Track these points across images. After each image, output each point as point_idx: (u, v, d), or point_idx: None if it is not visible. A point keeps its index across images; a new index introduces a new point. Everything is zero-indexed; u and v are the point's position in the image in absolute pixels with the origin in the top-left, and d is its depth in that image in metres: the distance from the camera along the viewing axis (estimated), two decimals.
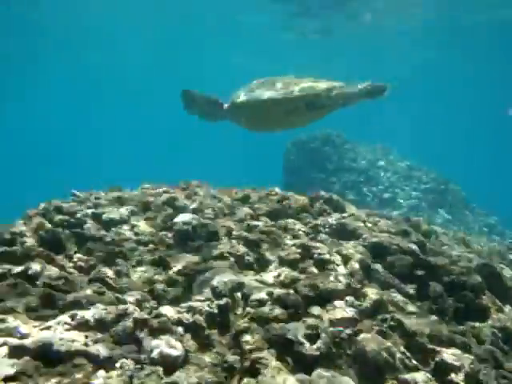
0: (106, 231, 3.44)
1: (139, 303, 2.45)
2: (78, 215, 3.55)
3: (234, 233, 3.38)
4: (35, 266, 2.60)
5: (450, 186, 12.31)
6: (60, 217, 3.48)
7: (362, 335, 2.18)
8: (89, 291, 2.45)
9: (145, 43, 21.95)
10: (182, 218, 3.53)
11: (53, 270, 2.62)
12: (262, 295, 2.41)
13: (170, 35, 20.32)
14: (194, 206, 3.90)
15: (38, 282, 2.54)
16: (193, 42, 21.25)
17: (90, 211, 3.63)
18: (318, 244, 3.10)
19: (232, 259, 3.02)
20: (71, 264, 2.84)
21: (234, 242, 3.23)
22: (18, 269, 2.62)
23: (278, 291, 2.42)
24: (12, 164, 33.13)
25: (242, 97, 4.29)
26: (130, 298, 2.48)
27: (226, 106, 4.54)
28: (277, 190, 4.29)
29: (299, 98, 4.07)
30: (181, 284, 2.72)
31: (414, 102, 31.58)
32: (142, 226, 3.55)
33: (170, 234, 3.49)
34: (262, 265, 3.07)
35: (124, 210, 3.75)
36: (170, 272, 2.84)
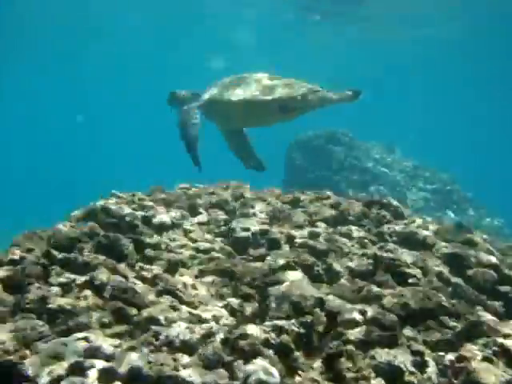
0: (160, 236, 3.26)
1: (217, 320, 2.27)
2: (128, 218, 3.35)
3: (297, 240, 3.18)
4: (101, 276, 2.42)
5: (456, 187, 12.10)
6: (109, 220, 3.29)
7: (473, 364, 1.98)
8: (163, 306, 2.26)
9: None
10: (239, 223, 3.33)
11: (119, 281, 2.44)
12: (355, 314, 2.21)
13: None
14: (245, 209, 3.71)
15: (105, 295, 2.37)
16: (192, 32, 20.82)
17: (138, 214, 3.43)
18: (391, 255, 2.90)
19: (300, 270, 2.83)
20: (134, 274, 2.66)
21: (299, 250, 3.03)
22: (82, 278, 2.44)
23: (371, 310, 2.23)
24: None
25: (217, 94, 4.43)
26: (207, 314, 2.30)
27: (201, 100, 4.59)
28: (329, 193, 4.09)
29: (274, 101, 4.16)
30: (254, 298, 2.53)
31: (413, 97, 30.99)
32: (197, 231, 3.37)
33: (226, 241, 3.31)
34: (331, 276, 2.86)
35: (174, 213, 3.56)
36: (240, 284, 2.64)
